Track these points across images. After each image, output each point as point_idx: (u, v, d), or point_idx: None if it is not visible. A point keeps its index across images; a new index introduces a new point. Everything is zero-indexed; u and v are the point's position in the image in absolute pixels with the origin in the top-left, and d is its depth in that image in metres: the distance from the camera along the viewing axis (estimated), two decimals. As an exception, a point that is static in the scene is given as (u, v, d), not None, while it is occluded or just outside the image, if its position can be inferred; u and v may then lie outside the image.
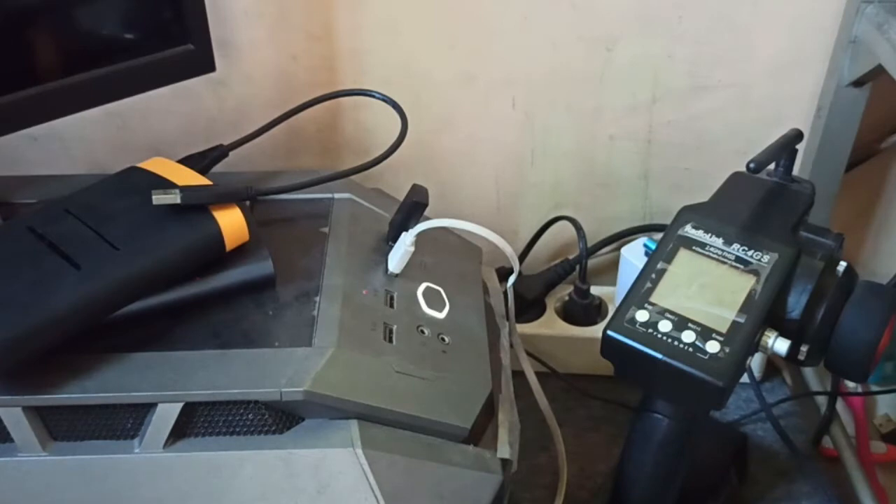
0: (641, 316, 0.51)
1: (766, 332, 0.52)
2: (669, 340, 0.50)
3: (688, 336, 0.50)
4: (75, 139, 0.80)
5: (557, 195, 0.88)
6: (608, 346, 0.52)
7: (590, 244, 0.86)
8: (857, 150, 0.81)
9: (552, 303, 0.85)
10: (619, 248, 0.84)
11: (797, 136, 0.57)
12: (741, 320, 0.50)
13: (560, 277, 0.85)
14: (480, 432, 0.55)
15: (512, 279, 0.66)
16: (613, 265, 0.86)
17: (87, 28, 0.60)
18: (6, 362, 0.47)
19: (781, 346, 0.51)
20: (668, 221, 0.88)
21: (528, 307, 0.84)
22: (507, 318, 0.66)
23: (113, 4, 0.60)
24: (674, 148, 0.85)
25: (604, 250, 0.89)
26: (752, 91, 0.81)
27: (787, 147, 0.57)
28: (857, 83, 0.75)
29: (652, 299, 0.52)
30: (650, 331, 0.51)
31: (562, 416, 0.68)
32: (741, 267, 0.52)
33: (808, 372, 0.84)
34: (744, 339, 0.50)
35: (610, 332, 0.52)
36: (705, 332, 0.50)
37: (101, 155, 0.81)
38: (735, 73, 0.80)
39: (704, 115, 0.82)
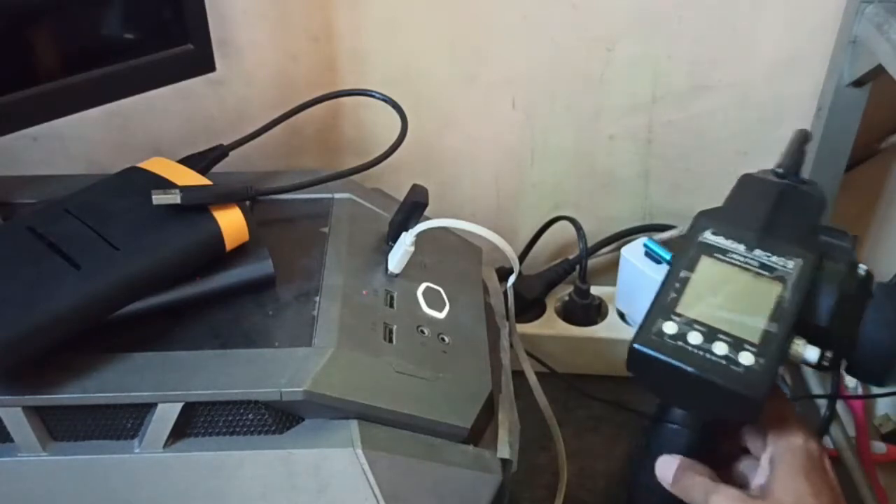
0: (669, 328, 0.49)
1: (794, 340, 0.49)
2: (701, 353, 0.48)
3: (719, 348, 0.48)
4: (75, 139, 0.80)
5: (557, 195, 0.88)
6: (635, 360, 0.49)
7: (590, 244, 0.86)
8: (857, 150, 0.81)
9: (552, 303, 0.85)
10: (619, 248, 0.84)
11: (806, 134, 0.56)
12: (773, 329, 0.48)
13: (560, 277, 0.85)
14: (480, 432, 0.55)
15: (512, 279, 0.66)
16: (613, 265, 0.86)
17: (86, 28, 0.60)
18: (6, 362, 0.47)
19: (812, 353, 0.49)
20: (668, 221, 0.89)
21: (528, 307, 0.84)
22: (507, 318, 0.66)
23: (113, 4, 0.60)
24: (674, 148, 0.85)
25: (604, 250, 0.89)
26: (752, 91, 0.81)
27: (803, 146, 0.55)
28: (857, 83, 0.75)
29: (678, 310, 0.49)
30: (679, 343, 0.48)
31: (562, 416, 0.68)
32: (766, 274, 0.50)
33: (809, 373, 0.84)
34: (777, 348, 0.48)
35: (637, 346, 0.49)
36: (737, 343, 0.48)
37: (101, 155, 0.81)
38: (735, 73, 0.80)
39: (704, 115, 0.82)
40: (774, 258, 0.51)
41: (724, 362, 0.47)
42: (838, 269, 0.50)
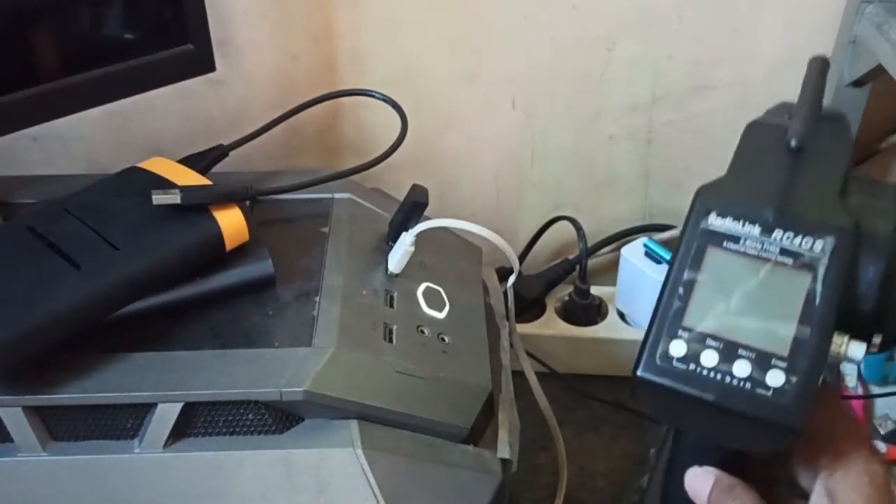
0: (677, 349, 0.40)
1: (834, 339, 0.40)
2: (719, 377, 0.39)
3: (741, 368, 0.39)
4: (75, 139, 0.80)
5: (557, 195, 0.88)
6: (642, 391, 0.41)
7: (590, 244, 0.86)
8: (857, 150, 0.81)
9: (552, 303, 0.85)
10: (619, 248, 0.84)
11: (825, 62, 0.44)
12: (804, 335, 0.39)
13: (560, 277, 0.85)
14: (480, 432, 0.55)
15: (512, 279, 0.66)
16: (613, 265, 0.86)
17: (86, 28, 0.60)
18: (6, 362, 0.47)
19: (857, 351, 0.40)
20: (668, 221, 0.89)
21: (528, 307, 0.84)
22: (507, 318, 0.66)
23: (113, 4, 0.60)
24: (674, 148, 0.85)
25: (604, 250, 0.89)
26: (752, 91, 0.81)
27: (824, 78, 0.44)
28: (857, 83, 0.75)
29: (686, 323, 0.40)
30: (692, 366, 0.39)
31: (562, 416, 0.68)
32: (790, 262, 0.40)
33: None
34: (812, 359, 0.39)
35: (642, 374, 0.40)
36: (762, 359, 0.39)
37: (101, 155, 0.81)
38: (735, 73, 0.80)
39: (704, 115, 0.82)
40: (798, 239, 0.40)
41: (747, 385, 0.39)
42: (879, 236, 0.40)
